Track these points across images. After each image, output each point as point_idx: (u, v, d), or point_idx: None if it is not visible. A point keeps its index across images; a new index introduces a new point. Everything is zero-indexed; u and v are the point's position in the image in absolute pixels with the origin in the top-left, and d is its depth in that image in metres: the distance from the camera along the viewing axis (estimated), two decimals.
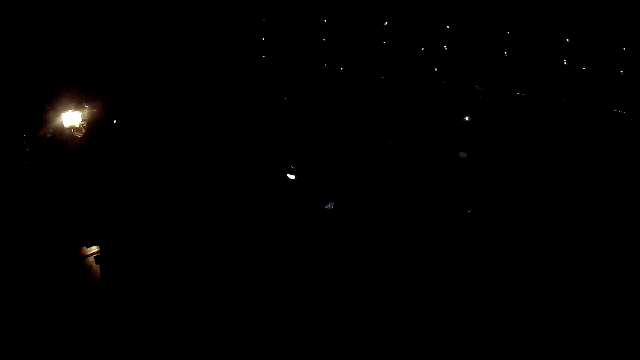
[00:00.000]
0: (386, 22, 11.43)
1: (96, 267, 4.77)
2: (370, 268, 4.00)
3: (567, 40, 9.58)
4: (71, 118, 6.23)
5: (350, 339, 3.20)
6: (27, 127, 7.01)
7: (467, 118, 6.57)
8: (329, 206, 4.93)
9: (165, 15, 9.85)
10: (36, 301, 4.09)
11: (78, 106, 6.28)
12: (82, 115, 5.77)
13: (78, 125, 5.89)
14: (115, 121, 7.00)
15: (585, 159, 6.80)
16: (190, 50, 10.03)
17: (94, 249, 4.94)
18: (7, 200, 5.89)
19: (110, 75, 9.01)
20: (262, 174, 5.22)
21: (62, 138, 6.63)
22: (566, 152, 7.01)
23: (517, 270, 4.27)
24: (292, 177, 5.29)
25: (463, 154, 6.71)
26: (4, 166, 6.40)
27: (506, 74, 9.88)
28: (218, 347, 3.42)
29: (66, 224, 5.54)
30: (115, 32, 9.43)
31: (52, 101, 7.56)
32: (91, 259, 4.82)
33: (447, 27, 10.43)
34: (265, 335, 3.34)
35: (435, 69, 10.55)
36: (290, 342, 3.22)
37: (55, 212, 5.79)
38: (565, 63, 9.59)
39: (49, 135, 7.12)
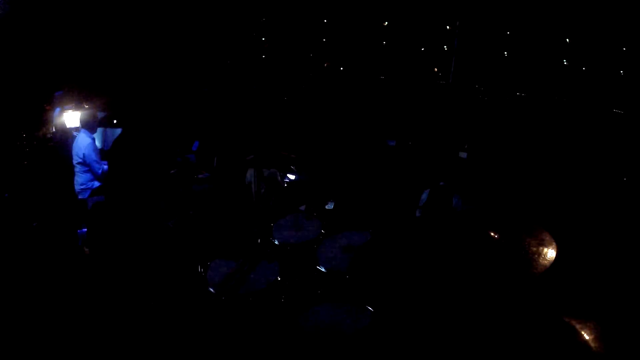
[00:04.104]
0: (386, 22, 11.43)
1: (95, 266, 4.78)
2: (371, 267, 3.99)
3: (567, 40, 9.58)
4: (71, 118, 6.23)
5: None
6: (27, 127, 7.03)
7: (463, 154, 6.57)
8: (329, 206, 4.93)
9: (165, 15, 9.87)
10: (37, 300, 4.10)
11: (78, 106, 6.28)
12: (81, 115, 5.77)
13: (77, 125, 5.90)
14: (115, 121, 7.00)
15: (585, 159, 6.80)
16: (190, 50, 10.04)
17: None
18: (7, 200, 5.89)
19: (110, 75, 9.02)
20: (261, 174, 5.21)
21: (62, 138, 6.64)
22: (566, 152, 7.01)
23: (517, 270, 4.27)
24: (292, 177, 5.28)
25: (463, 154, 6.71)
26: (4, 166, 6.41)
27: (506, 74, 9.88)
28: (214, 348, 3.42)
29: (67, 224, 5.54)
30: (115, 32, 9.43)
31: (52, 101, 7.58)
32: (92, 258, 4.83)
33: (447, 27, 10.43)
34: (261, 335, 3.34)
35: (435, 69, 10.55)
36: (287, 342, 3.22)
37: (55, 212, 5.79)
38: (565, 63, 9.59)
39: (49, 135, 7.14)
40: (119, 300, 4.08)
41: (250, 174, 5.22)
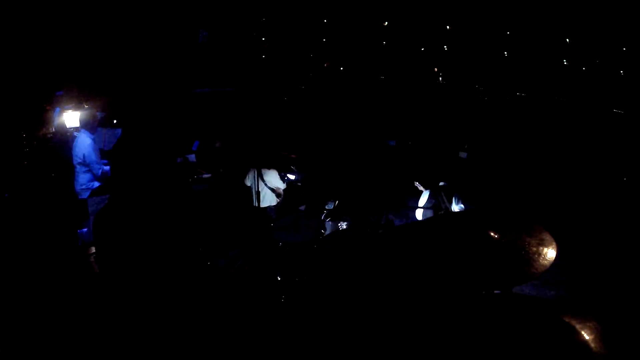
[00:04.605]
0: (386, 22, 11.43)
1: (96, 267, 4.77)
2: (371, 268, 4.00)
3: (567, 40, 9.58)
4: (71, 118, 6.23)
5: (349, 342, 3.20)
6: (27, 127, 7.03)
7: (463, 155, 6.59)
8: (329, 206, 4.92)
9: (166, 15, 9.87)
10: (37, 300, 4.10)
11: (78, 106, 6.28)
12: (81, 115, 5.77)
13: (77, 125, 5.90)
14: (115, 121, 7.01)
15: (585, 158, 6.80)
16: (190, 50, 10.04)
17: (95, 248, 4.94)
18: (7, 200, 5.89)
19: (111, 75, 9.02)
20: (262, 174, 5.21)
21: (62, 138, 6.64)
22: (566, 152, 7.01)
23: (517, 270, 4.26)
24: (292, 177, 5.28)
25: (463, 154, 6.71)
26: (4, 166, 6.40)
27: (506, 74, 9.89)
28: (216, 348, 3.42)
29: (67, 224, 5.54)
30: (115, 32, 9.44)
31: (52, 101, 7.58)
32: (92, 259, 4.82)
33: (447, 27, 10.42)
34: (261, 337, 3.35)
35: (435, 69, 10.56)
36: (287, 342, 3.22)
37: (56, 213, 5.79)
38: (565, 63, 9.59)
39: (49, 135, 7.14)
40: (121, 300, 4.08)
41: (252, 175, 5.22)
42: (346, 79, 11.31)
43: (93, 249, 4.82)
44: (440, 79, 10.19)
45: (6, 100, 7.75)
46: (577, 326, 1.75)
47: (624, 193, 6.07)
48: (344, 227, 4.40)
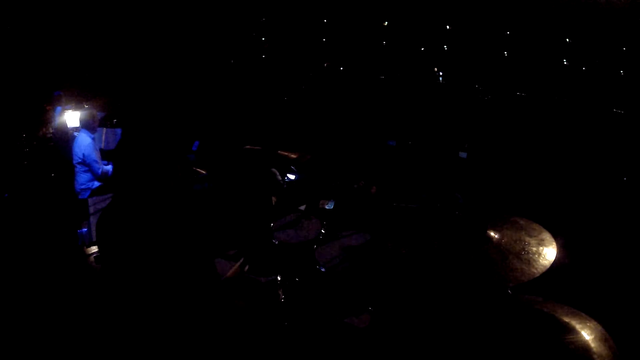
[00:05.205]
0: (386, 22, 11.43)
1: (96, 267, 4.77)
2: (371, 269, 4.00)
3: (567, 40, 9.58)
4: (71, 118, 6.23)
5: (349, 343, 3.20)
6: (27, 127, 7.04)
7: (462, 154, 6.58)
8: (329, 206, 4.92)
9: (165, 15, 9.87)
10: (37, 300, 4.10)
11: (78, 106, 6.29)
12: (81, 115, 5.77)
13: (77, 125, 5.90)
14: (115, 121, 7.01)
15: (585, 158, 6.80)
16: (190, 50, 10.04)
17: (95, 248, 4.94)
18: (7, 200, 5.89)
19: (111, 74, 9.03)
20: (261, 174, 5.21)
21: (62, 138, 6.64)
22: (566, 152, 7.01)
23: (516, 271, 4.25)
24: (292, 177, 5.28)
25: (463, 154, 6.71)
26: (4, 166, 6.41)
27: (506, 74, 9.88)
28: (217, 347, 3.42)
29: (67, 224, 5.54)
30: (115, 32, 9.44)
31: (52, 101, 7.59)
32: (92, 259, 4.82)
33: (447, 27, 10.42)
34: (262, 337, 3.35)
35: (435, 69, 10.55)
36: (288, 343, 3.22)
37: (56, 213, 5.79)
38: (565, 63, 9.59)
39: (49, 135, 7.14)
40: (121, 300, 4.08)
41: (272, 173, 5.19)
42: (346, 79, 11.30)
43: (93, 249, 4.82)
44: (441, 79, 10.18)
45: (6, 100, 7.75)
46: (577, 326, 1.75)
47: (624, 193, 6.07)
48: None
